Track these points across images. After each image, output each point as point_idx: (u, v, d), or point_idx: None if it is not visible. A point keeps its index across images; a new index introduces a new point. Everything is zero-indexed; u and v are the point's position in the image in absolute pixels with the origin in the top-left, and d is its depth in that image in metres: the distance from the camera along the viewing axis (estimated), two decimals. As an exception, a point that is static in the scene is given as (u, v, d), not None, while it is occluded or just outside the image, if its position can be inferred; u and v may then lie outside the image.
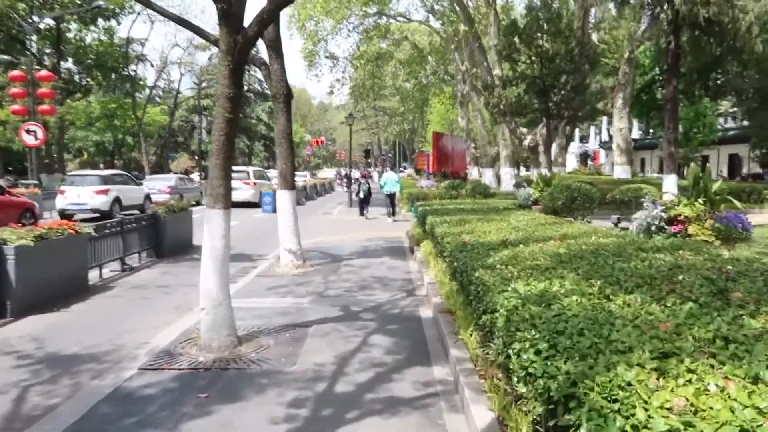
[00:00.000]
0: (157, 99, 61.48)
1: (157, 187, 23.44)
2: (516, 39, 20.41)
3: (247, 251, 11.92)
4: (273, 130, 61.84)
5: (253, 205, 24.30)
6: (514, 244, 6.00)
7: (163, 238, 10.97)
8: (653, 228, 7.25)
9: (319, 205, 27.66)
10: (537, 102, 21.02)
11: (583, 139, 65.54)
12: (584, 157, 57.87)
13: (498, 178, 33.48)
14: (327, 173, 64.14)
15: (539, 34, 19.91)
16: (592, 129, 67.87)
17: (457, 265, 5.61)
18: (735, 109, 41.42)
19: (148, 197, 21.11)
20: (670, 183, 12.58)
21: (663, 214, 7.26)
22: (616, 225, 9.25)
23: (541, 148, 25.70)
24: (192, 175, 38.67)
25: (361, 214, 20.04)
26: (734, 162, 38.59)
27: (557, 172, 19.74)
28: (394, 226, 17.11)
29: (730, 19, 12.81)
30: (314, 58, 42.51)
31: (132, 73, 42.68)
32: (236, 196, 25.77)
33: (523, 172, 48.78)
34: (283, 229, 9.06)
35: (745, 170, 37.80)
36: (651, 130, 54.22)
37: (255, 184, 25.91)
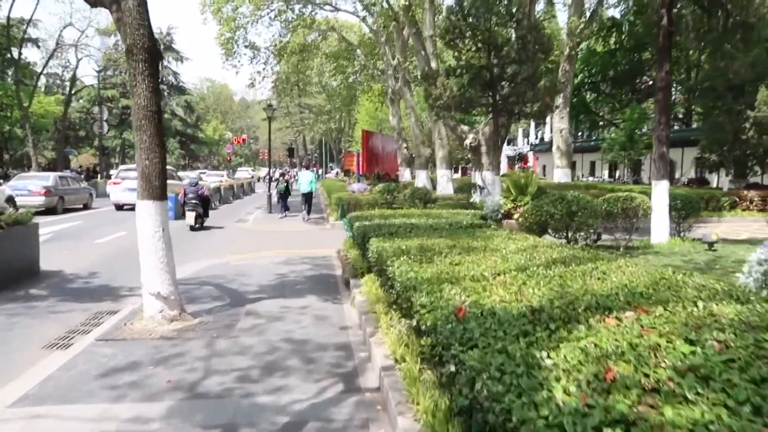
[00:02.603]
0: (55, 87, 55.08)
1: (29, 188, 19.08)
2: (461, 21, 17.77)
3: (116, 280, 8.47)
4: (189, 125, 56.91)
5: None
6: (555, 318, 3.11)
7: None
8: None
9: (235, 209, 24.03)
10: (483, 95, 18.48)
11: (510, 141, 64.63)
12: (518, 159, 56.77)
13: (432, 181, 31.03)
14: (244, 173, 59.83)
15: (488, 16, 17.36)
16: (520, 131, 67.32)
17: (464, 380, 2.63)
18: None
19: (10, 200, 16.83)
20: (662, 191, 10.17)
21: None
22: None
23: (483, 149, 23.32)
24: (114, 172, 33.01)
25: (282, 212, 20.21)
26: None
27: (520, 173, 17.30)
28: (321, 238, 13.99)
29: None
30: (232, 47, 38.57)
31: (17, 57, 37.01)
32: (134, 199, 21.80)
33: (456, 175, 46.84)
34: (146, 262, 5.76)
35: (678, 174, 37.35)
36: (580, 133, 53.98)
37: (160, 184, 21.91)
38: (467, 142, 23.26)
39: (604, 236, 9.27)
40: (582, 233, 7.19)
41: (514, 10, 17.31)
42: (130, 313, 6.44)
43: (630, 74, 42.99)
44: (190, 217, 15.70)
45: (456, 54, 18.89)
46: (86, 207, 22.41)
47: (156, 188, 5.67)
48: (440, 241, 6.31)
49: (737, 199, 19.20)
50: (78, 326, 6.13)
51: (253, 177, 53.00)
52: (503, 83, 18.25)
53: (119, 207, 21.91)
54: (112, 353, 4.99)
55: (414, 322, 3.78)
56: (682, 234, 11.34)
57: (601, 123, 52.77)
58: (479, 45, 18.33)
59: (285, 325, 5.88)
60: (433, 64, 24.33)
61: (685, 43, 16.52)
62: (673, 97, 44.30)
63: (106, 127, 41.03)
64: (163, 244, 5.75)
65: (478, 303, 3.48)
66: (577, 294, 3.61)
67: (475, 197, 22.07)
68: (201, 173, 36.47)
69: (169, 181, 21.57)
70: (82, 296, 7.59)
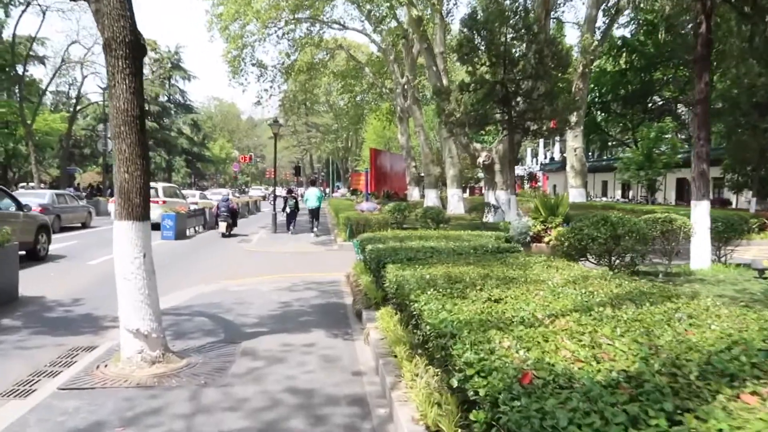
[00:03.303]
0: (61, 105, 54.85)
1: (24, 207, 18.26)
2: (475, 35, 17.06)
3: (101, 308, 7.59)
4: (195, 143, 56.57)
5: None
6: (665, 392, 2.19)
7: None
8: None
9: (238, 229, 23.17)
10: (498, 111, 17.68)
11: (519, 161, 63.78)
12: (527, 179, 55.86)
13: (442, 200, 30.16)
14: (257, 191, 59.19)
15: (503, 30, 16.63)
16: (528, 150, 66.50)
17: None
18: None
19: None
20: (702, 212, 9.23)
21: None
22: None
23: (497, 167, 22.48)
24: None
25: (288, 228, 20.31)
26: (682, 186, 37.16)
27: (530, 192, 16.37)
28: (328, 260, 13.10)
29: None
30: (239, 65, 38.08)
31: (22, 74, 36.64)
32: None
33: (464, 194, 45.97)
34: (123, 294, 4.87)
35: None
36: (590, 153, 53.04)
37: (164, 202, 21.23)
38: (480, 160, 22.46)
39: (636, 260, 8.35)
40: (627, 260, 6.27)
41: (530, 23, 16.54)
42: (108, 350, 5.54)
43: (641, 94, 42.32)
44: (223, 226, 19.19)
45: (470, 69, 18.14)
46: (85, 225, 21.63)
47: (137, 206, 4.80)
48: (469, 269, 5.40)
49: (766, 221, 18.20)
50: (46, 366, 5.23)
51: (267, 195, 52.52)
52: (518, 99, 17.47)
53: None
54: (75, 408, 4.08)
55: (454, 382, 2.87)
56: (722, 259, 10.37)
57: (611, 143, 51.99)
58: (494, 59, 17.60)
59: (287, 369, 4.95)
60: (444, 81, 23.63)
61: (729, 52, 15.63)
62: (684, 117, 43.55)
63: (110, 144, 40.50)
64: (144, 273, 4.86)
65: (546, 363, 2.57)
66: (676, 350, 2.69)
67: (489, 217, 21.18)
68: (202, 193, 35.84)
69: (171, 199, 20.79)
70: (58, 328, 6.71)
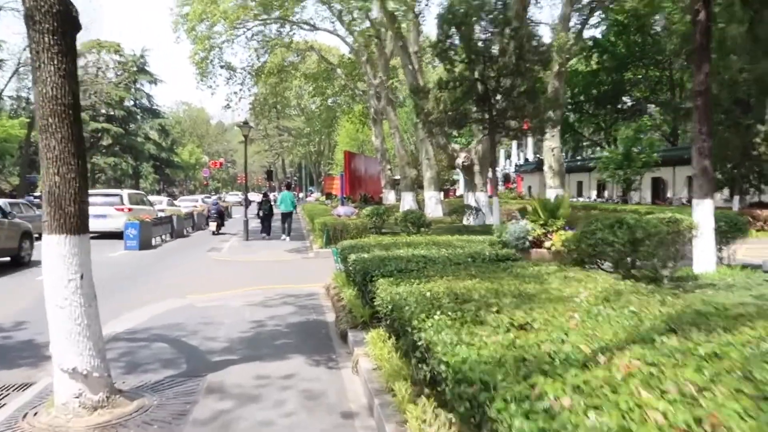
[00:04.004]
0: (21, 110, 52.67)
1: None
2: (453, 30, 16.36)
3: (45, 334, 6.55)
4: (163, 149, 54.95)
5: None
6: None
7: None
8: None
9: (208, 236, 22.08)
10: (478, 110, 17.01)
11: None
12: (504, 180, 55.59)
13: (419, 203, 29.41)
14: (234, 197, 57.66)
15: (483, 24, 15.98)
16: (502, 152, 66.36)
17: None
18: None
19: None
20: (706, 211, 8.63)
21: None
22: None
23: (476, 168, 21.83)
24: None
25: (263, 232, 20.37)
26: (657, 185, 37.17)
27: (507, 193, 15.70)
28: (304, 269, 12.23)
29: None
30: (206, 67, 36.79)
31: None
32: (103, 226, 19.79)
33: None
34: (56, 325, 3.95)
35: (669, 194, 36.37)
36: (564, 153, 53.06)
37: (130, 210, 20.05)
38: (459, 161, 21.78)
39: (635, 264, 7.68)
40: (646, 266, 5.56)
41: (510, 18, 15.90)
42: (45, 388, 4.60)
43: (612, 94, 42.44)
44: (213, 225, 22.11)
45: (447, 67, 17.45)
46: (41, 237, 20.29)
47: (71, 216, 3.89)
48: (474, 283, 4.60)
49: (750, 219, 17.88)
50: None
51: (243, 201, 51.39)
52: (498, 97, 16.84)
53: None
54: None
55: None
56: (725, 261, 9.80)
57: (584, 143, 52.12)
58: (472, 56, 16.94)
59: (262, 412, 4.08)
60: (420, 81, 22.91)
61: (732, 40, 15.15)
62: (656, 118, 43.78)
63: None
64: (82, 298, 3.95)
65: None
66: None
67: (470, 220, 20.50)
68: (170, 200, 34.65)
69: (137, 207, 19.54)
70: (-10, 359, 5.71)
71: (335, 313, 7.05)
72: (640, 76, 44.23)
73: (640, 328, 3.07)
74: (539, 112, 16.15)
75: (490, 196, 23.01)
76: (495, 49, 16.53)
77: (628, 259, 5.57)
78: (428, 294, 4.24)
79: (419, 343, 3.40)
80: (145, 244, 16.84)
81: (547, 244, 7.15)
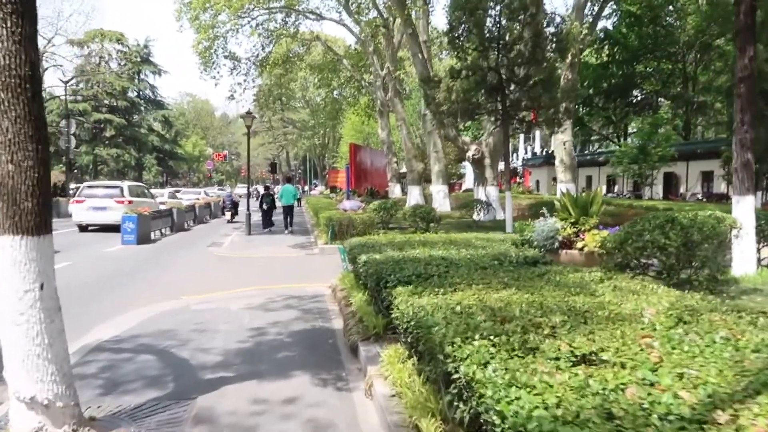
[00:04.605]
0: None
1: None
2: (466, 15, 15.58)
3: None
4: (167, 141, 54.53)
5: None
6: None
7: None
8: None
9: (210, 230, 21.45)
10: (491, 100, 16.24)
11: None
12: (512, 174, 54.61)
13: (426, 198, 28.70)
14: (243, 190, 56.80)
15: (498, 9, 15.20)
16: (509, 145, 65.38)
17: None
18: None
19: None
20: (746, 209, 7.89)
21: None
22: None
23: (487, 161, 21.09)
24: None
25: (265, 227, 20.06)
26: (670, 180, 36.29)
27: (527, 187, 14.97)
28: (308, 266, 11.56)
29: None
30: (210, 57, 36.05)
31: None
32: (103, 218, 19.16)
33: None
34: (12, 345, 3.26)
35: (682, 189, 35.51)
36: (573, 147, 52.07)
37: (130, 202, 19.40)
38: (469, 154, 21.03)
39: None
40: (703, 271, 4.82)
41: (527, 2, 15.09)
42: (5, 414, 3.92)
43: (623, 87, 41.51)
44: (228, 214, 24.53)
45: (460, 54, 16.67)
46: None
47: (28, 213, 3.19)
48: (510, 293, 3.91)
49: (775, 216, 17.07)
50: None
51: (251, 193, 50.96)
52: (513, 87, 16.08)
53: (83, 228, 19.47)
54: None
55: None
56: (764, 262, 9.07)
57: (594, 137, 51.16)
58: (486, 44, 16.17)
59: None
60: (430, 71, 22.13)
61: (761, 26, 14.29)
62: (668, 112, 42.80)
63: (74, 141, 38.20)
64: (42, 312, 3.25)
65: None
66: None
67: (481, 215, 19.78)
68: (176, 191, 34.11)
69: (138, 199, 18.87)
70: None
71: (343, 320, 6.35)
72: (652, 69, 43.30)
73: (747, 364, 2.36)
74: (555, 102, 15.38)
75: (501, 191, 22.31)
76: (509, 37, 15.76)
77: (680, 264, 4.85)
78: (458, 308, 3.54)
79: (456, 377, 2.70)
80: (143, 239, 16.19)
81: (578, 244, 6.42)
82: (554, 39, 15.35)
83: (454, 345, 2.83)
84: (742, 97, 8.28)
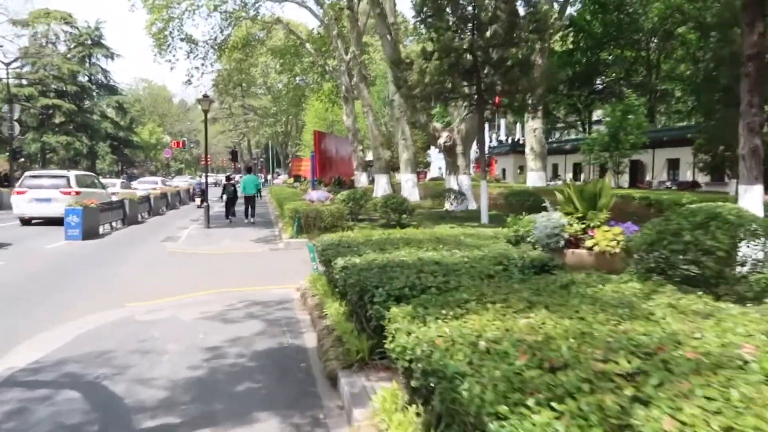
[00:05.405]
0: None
1: None
2: (440, -6, 14.61)
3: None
4: (121, 128, 52.09)
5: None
6: None
7: None
8: None
9: (165, 223, 20.06)
10: (467, 84, 15.35)
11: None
12: (477, 162, 54.09)
13: (393, 187, 27.77)
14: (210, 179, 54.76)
15: (472, -14, 14.28)
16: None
17: None
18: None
19: None
20: (755, 199, 7.20)
21: None
22: None
23: (459, 149, 20.25)
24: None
25: (227, 217, 19.61)
26: (636, 168, 36.28)
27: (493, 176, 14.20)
28: (273, 263, 10.51)
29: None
30: (165, 39, 34.16)
31: None
32: (48, 211, 17.52)
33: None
34: None
35: (648, 177, 35.54)
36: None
37: (78, 193, 17.87)
38: (441, 141, 20.13)
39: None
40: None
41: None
42: None
43: (587, 75, 41.39)
44: (198, 200, 24.30)
45: (431, 35, 15.70)
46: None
47: None
48: (541, 317, 2.99)
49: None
50: None
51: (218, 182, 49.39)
52: (488, 70, 15.22)
53: (26, 221, 17.90)
54: None
55: None
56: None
57: (559, 125, 51.06)
58: (460, 23, 15.28)
59: None
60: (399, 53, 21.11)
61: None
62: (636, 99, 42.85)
63: (18, 127, 35.75)
64: None
65: None
66: None
67: (453, 205, 18.94)
68: (124, 181, 32.53)
69: (87, 190, 17.34)
70: None
71: (317, 336, 5.35)
72: (615, 57, 43.41)
73: None
74: (533, 86, 14.59)
75: (472, 179, 21.56)
76: (484, 16, 14.88)
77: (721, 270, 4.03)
78: (481, 343, 2.61)
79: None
80: (89, 233, 14.79)
81: (588, 242, 5.57)
82: (531, 19, 14.52)
83: (501, 420, 1.89)
84: (751, 76, 7.56)
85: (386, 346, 3.23)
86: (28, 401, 4.04)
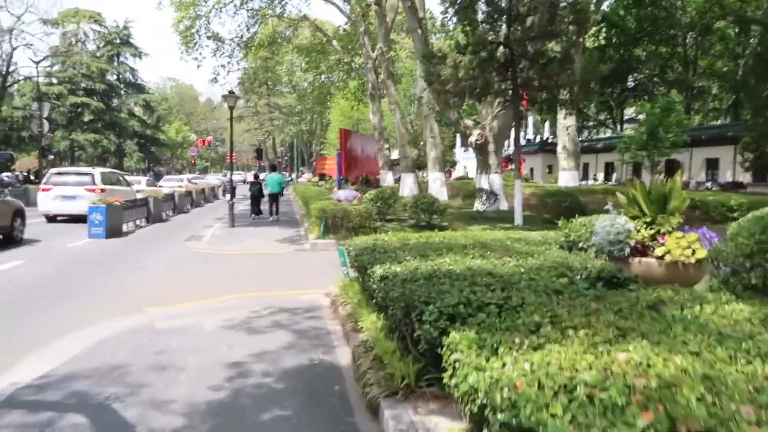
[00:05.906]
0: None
1: None
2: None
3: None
4: (149, 126, 52.45)
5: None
6: None
7: None
8: None
9: (192, 220, 19.79)
10: (502, 79, 14.66)
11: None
12: (506, 161, 53.13)
13: (420, 186, 27.12)
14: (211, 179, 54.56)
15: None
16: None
17: None
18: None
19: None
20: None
21: None
22: None
23: (491, 147, 19.52)
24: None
25: (252, 214, 19.91)
26: (671, 167, 34.98)
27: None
28: (299, 265, 10.01)
29: None
30: (192, 37, 34.06)
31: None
32: (73, 208, 17.34)
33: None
34: None
35: (686, 177, 34.27)
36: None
37: (102, 190, 17.65)
38: (472, 139, 19.42)
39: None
40: None
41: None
42: None
43: (620, 72, 40.18)
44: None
45: (466, 29, 15.07)
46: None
47: None
48: (646, 354, 2.36)
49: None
50: None
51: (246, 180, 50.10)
52: (525, 64, 14.51)
53: (51, 218, 17.72)
54: None
55: None
56: None
57: (591, 123, 49.80)
58: (496, 15, 14.61)
59: None
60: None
61: None
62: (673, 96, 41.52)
63: (47, 125, 36.00)
64: None
65: None
66: None
67: (485, 206, 18.22)
68: (149, 179, 32.52)
69: (112, 187, 17.11)
70: None
71: (351, 352, 4.78)
72: (650, 53, 42.13)
73: None
74: (573, 81, 13.83)
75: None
76: (522, 8, 14.18)
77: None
78: (577, 391, 2.00)
79: None
80: (113, 232, 14.49)
81: (658, 251, 4.90)
82: (572, 10, 13.77)
83: None
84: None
85: (445, 381, 2.64)
86: (28, 428, 3.55)
